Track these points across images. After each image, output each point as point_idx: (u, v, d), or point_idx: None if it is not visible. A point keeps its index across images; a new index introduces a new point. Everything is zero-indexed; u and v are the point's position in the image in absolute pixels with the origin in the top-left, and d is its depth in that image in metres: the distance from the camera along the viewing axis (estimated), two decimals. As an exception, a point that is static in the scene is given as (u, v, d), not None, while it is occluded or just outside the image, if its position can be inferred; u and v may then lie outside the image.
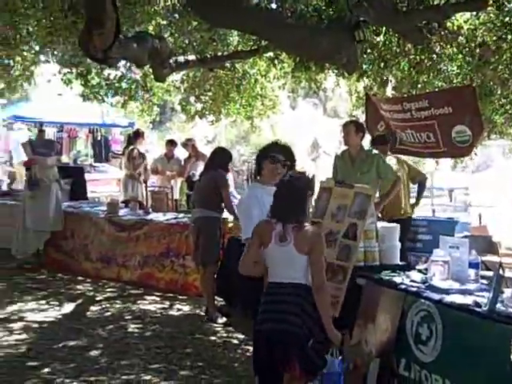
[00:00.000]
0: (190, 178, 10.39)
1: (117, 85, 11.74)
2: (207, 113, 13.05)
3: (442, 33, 8.16)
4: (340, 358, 4.38)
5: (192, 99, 13.17)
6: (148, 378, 5.46)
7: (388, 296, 4.73)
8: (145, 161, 11.53)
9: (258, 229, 4.28)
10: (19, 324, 7.00)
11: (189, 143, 11.79)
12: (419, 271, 4.95)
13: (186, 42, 10.47)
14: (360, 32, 6.78)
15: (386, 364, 4.52)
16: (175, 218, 8.92)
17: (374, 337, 4.73)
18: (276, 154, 5.34)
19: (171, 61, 9.25)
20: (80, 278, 9.17)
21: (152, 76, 10.45)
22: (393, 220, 6.64)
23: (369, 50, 9.29)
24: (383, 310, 4.72)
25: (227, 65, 11.44)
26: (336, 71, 10.34)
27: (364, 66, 9.50)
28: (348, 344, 4.89)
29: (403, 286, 4.64)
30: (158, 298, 8.12)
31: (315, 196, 5.86)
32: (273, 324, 4.04)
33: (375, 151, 7.24)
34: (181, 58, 10.19)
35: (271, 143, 5.81)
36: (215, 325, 7.03)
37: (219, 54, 10.65)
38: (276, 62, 10.84)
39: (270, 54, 10.64)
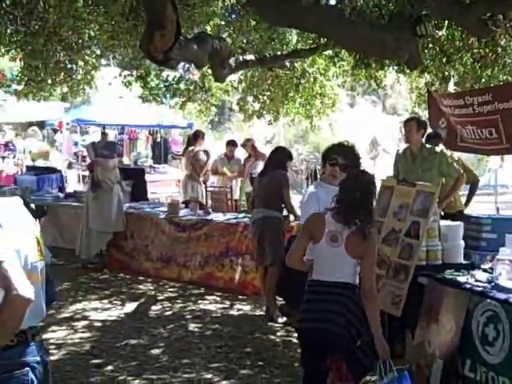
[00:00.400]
0: (252, 176, 10.37)
1: (175, 86, 11.84)
2: (265, 112, 13.05)
3: (508, 25, 7.92)
4: (395, 369, 3.87)
5: (250, 99, 13.19)
6: (209, 376, 5.49)
7: (452, 296, 4.61)
8: (208, 160, 11.54)
9: (308, 223, 4.18)
10: (83, 323, 7.12)
11: (248, 143, 11.83)
12: (484, 270, 4.81)
13: (245, 41, 10.49)
14: (422, 26, 6.64)
15: (450, 365, 4.40)
16: (235, 218, 8.93)
17: (437, 337, 4.62)
18: (337, 157, 5.20)
19: (231, 61, 9.26)
20: (141, 277, 9.26)
21: (210, 76, 10.50)
22: (446, 214, 6.52)
23: (430, 45, 9.11)
24: (447, 309, 4.60)
25: (286, 64, 11.41)
26: (396, 68, 10.20)
27: (425, 62, 9.30)
28: (410, 344, 4.78)
29: (468, 286, 4.52)
30: (218, 298, 8.13)
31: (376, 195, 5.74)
32: (315, 323, 3.95)
33: (437, 148, 7.08)
34: (240, 58, 10.20)
35: (336, 144, 5.61)
36: (275, 324, 7.00)
37: (278, 53, 10.63)
38: (335, 60, 10.75)
39: (330, 52, 10.57)
